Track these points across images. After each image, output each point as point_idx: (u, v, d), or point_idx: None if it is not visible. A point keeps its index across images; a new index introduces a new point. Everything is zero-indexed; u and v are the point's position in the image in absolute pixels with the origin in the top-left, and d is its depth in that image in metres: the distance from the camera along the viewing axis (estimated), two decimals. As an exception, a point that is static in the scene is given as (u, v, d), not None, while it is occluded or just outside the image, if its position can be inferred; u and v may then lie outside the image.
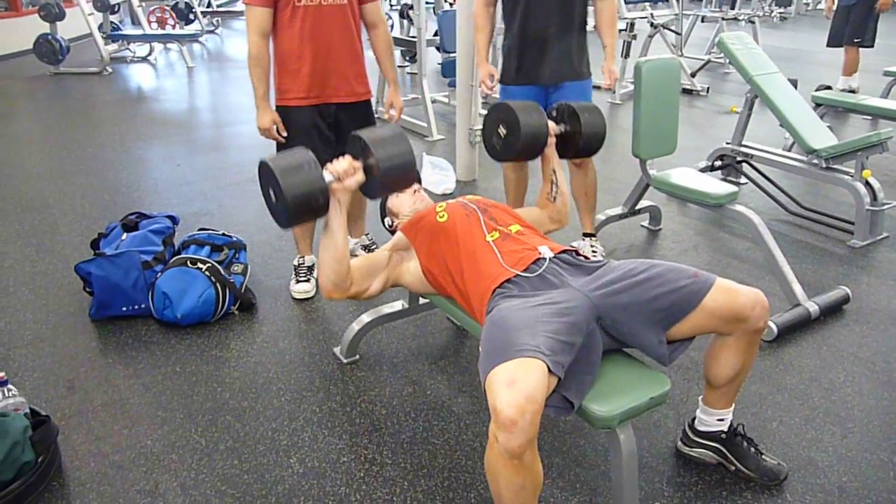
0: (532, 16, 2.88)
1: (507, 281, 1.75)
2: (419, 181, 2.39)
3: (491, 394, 1.40)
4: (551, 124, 2.18)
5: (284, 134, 2.69)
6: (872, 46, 6.14)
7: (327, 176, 1.73)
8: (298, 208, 1.67)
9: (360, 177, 1.79)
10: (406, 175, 1.84)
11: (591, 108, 2.22)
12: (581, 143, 2.19)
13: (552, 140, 2.17)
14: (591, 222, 3.25)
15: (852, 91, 6.07)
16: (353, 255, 3.09)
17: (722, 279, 1.69)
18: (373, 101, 3.01)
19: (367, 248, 3.11)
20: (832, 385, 2.32)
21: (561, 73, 2.94)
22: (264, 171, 1.72)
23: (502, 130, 2.14)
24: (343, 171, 1.76)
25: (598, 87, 2.96)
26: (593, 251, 3.19)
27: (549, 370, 1.42)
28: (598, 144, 2.24)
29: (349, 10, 2.66)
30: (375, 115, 3.05)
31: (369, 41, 2.84)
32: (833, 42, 6.36)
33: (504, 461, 1.38)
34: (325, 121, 2.74)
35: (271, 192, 1.73)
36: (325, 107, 2.72)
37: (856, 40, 6.10)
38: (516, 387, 1.36)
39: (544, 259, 1.79)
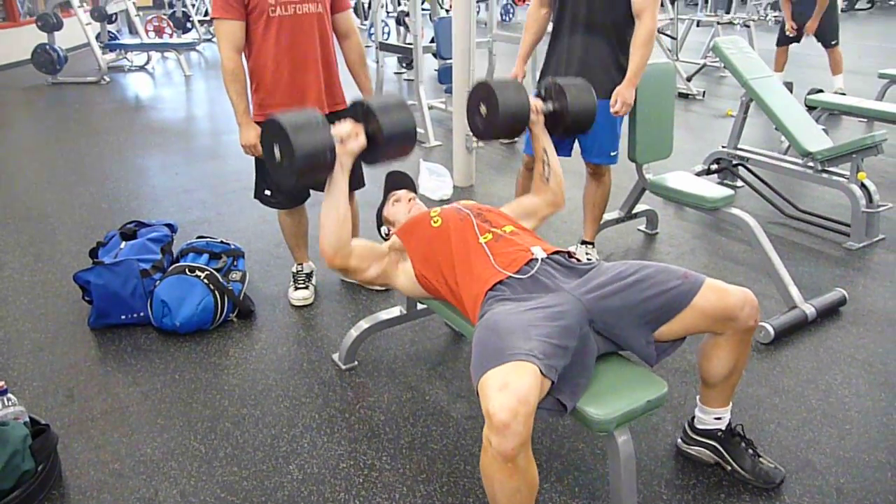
0: (564, 25, 2.85)
1: (500, 283, 1.76)
2: (415, 190, 2.40)
3: (484, 398, 1.41)
4: (538, 102, 2.15)
5: None
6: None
7: None
8: (306, 165, 1.69)
9: (362, 141, 1.83)
10: (407, 142, 1.85)
11: (580, 85, 2.16)
12: (569, 121, 2.14)
13: (540, 118, 2.15)
14: (593, 232, 3.25)
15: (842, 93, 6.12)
16: None
17: (711, 279, 1.70)
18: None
19: None
20: (829, 387, 2.33)
21: None
22: (272, 127, 1.73)
23: (483, 109, 2.10)
24: (346, 134, 1.80)
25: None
26: (588, 258, 3.21)
27: (542, 373, 1.43)
28: (587, 122, 2.19)
29: (324, 18, 2.60)
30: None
31: (342, 52, 2.78)
32: (782, 42, 6.52)
33: (498, 464, 1.39)
34: None
35: (276, 150, 1.73)
36: None
37: (833, 42, 6.21)
38: (508, 390, 1.37)
39: (537, 260, 1.80)
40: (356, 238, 2.00)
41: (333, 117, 2.72)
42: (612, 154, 2.99)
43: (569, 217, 3.82)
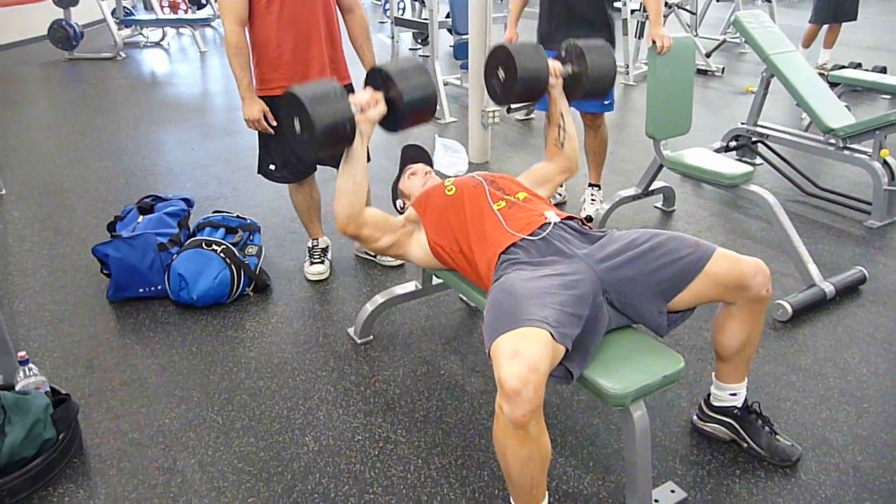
0: None
1: (513, 245, 1.77)
2: (431, 164, 2.39)
3: (496, 365, 1.42)
4: (557, 65, 2.11)
5: (274, 123, 2.59)
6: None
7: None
8: (326, 137, 1.69)
9: (381, 108, 1.83)
10: (427, 107, 1.84)
11: (600, 49, 2.12)
12: (588, 85, 2.11)
13: (559, 82, 2.13)
14: (598, 175, 3.52)
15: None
16: (362, 251, 3.10)
17: (723, 248, 1.70)
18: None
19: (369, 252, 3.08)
20: (847, 365, 2.31)
21: None
22: (290, 100, 1.72)
23: (501, 73, 2.06)
24: (365, 103, 1.80)
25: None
26: (592, 199, 3.49)
27: (557, 340, 1.44)
28: (606, 86, 2.16)
29: None
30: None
31: (346, 26, 2.75)
32: (825, 18, 6.13)
33: (510, 432, 1.40)
34: None
35: (296, 123, 1.73)
36: None
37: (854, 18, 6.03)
38: (520, 357, 1.38)
39: (550, 223, 1.81)
40: (371, 207, 2.00)
41: None
42: (606, 103, 3.21)
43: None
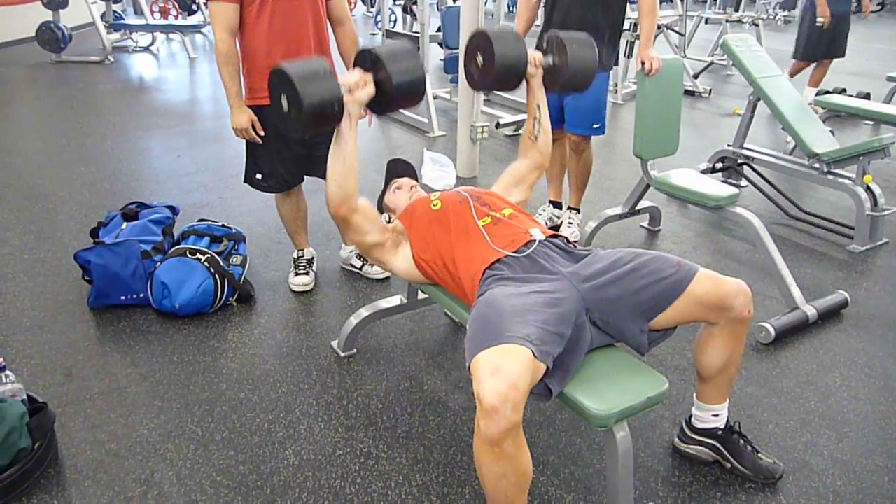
0: (559, 6, 3.10)
1: (498, 261, 1.77)
2: (416, 178, 2.39)
3: (475, 381, 1.41)
4: (538, 55, 2.10)
5: (262, 133, 2.59)
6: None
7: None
8: (314, 115, 1.68)
9: (370, 90, 1.82)
10: (416, 91, 1.83)
11: (582, 41, 2.09)
12: (567, 76, 2.08)
13: (539, 72, 2.12)
14: (579, 199, 3.52)
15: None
16: (348, 263, 3.09)
17: (705, 269, 1.71)
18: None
19: (361, 257, 3.06)
20: (828, 389, 2.32)
21: None
22: (279, 77, 1.71)
23: (479, 59, 2.04)
24: (354, 83, 1.80)
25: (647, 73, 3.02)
26: (570, 222, 3.48)
27: (538, 358, 1.44)
28: (585, 80, 2.12)
29: (319, 4, 2.58)
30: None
31: (335, 38, 2.76)
32: (813, 55, 5.60)
33: (485, 448, 1.40)
34: None
35: (284, 100, 1.72)
36: None
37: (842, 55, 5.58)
38: (500, 375, 1.38)
39: (535, 241, 1.81)
40: (364, 198, 1.97)
41: None
42: (596, 126, 3.21)
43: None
